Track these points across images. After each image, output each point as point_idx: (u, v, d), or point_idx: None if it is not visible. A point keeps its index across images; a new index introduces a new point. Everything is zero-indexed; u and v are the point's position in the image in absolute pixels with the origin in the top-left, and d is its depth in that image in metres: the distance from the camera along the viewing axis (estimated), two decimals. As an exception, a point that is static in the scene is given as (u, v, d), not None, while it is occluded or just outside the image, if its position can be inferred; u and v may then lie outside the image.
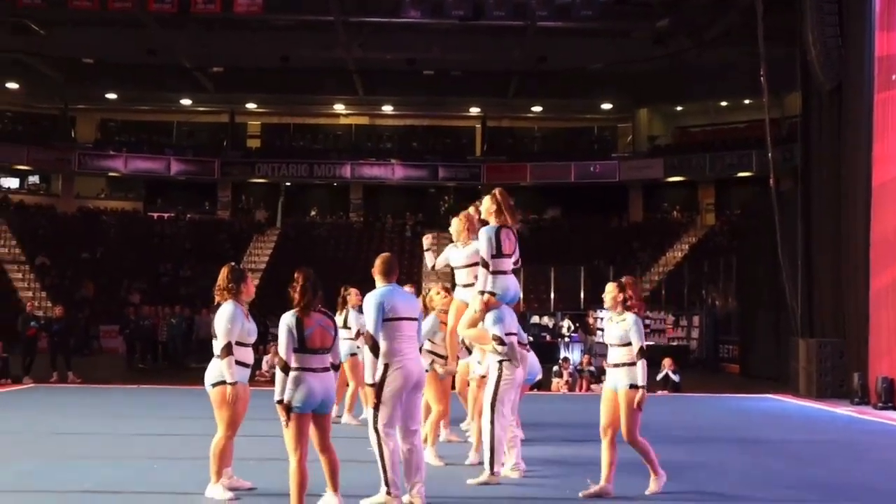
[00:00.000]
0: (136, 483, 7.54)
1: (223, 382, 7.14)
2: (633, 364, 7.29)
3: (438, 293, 9.56)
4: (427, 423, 8.94)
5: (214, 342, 7.26)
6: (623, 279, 7.65)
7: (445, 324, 8.83)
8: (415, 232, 37.03)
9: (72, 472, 8.07)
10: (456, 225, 8.64)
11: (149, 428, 11.23)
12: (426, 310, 9.41)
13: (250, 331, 7.41)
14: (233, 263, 7.80)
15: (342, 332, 9.32)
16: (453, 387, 10.03)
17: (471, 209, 8.84)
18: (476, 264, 8.10)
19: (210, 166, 41.91)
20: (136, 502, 6.82)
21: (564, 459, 9.15)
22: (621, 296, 7.46)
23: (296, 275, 6.47)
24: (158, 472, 8.16)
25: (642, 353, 7.29)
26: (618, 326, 7.38)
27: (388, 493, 6.76)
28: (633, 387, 7.28)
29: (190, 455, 9.16)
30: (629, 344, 7.30)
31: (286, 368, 6.30)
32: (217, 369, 7.20)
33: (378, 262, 7.19)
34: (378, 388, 6.79)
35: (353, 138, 44.96)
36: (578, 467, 8.52)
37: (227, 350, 7.11)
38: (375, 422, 6.79)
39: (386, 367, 6.80)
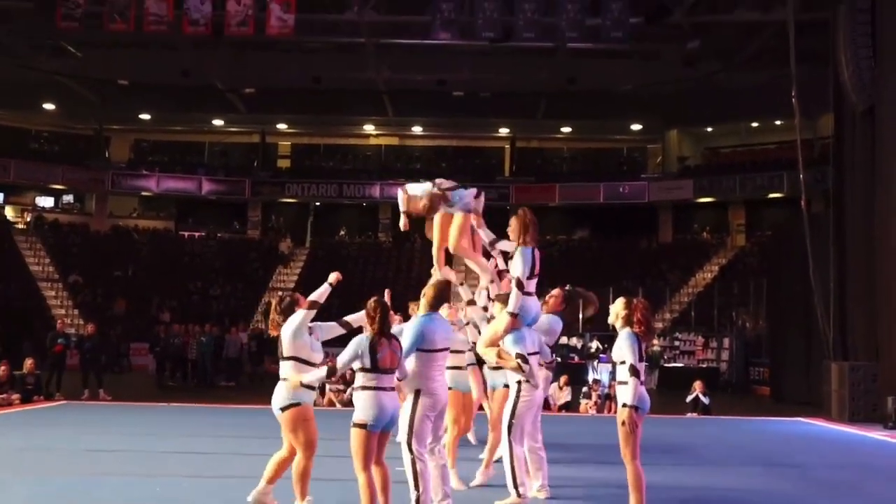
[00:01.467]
0: (170, 500, 7.60)
1: (293, 405, 7.34)
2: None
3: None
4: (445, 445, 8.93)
5: (281, 364, 7.44)
6: (635, 299, 7.54)
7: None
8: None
9: (107, 488, 8.15)
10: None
11: (180, 446, 11.31)
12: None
13: (317, 349, 7.58)
14: (280, 294, 8.34)
15: None
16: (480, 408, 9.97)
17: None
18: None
19: (241, 186, 42.27)
20: (167, 520, 6.88)
21: (592, 481, 9.10)
22: (625, 312, 7.27)
23: (372, 303, 6.92)
24: (189, 489, 8.21)
25: (634, 370, 7.05)
26: (616, 343, 7.34)
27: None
28: (626, 406, 7.10)
29: (220, 473, 9.22)
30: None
31: (332, 372, 7.07)
32: (285, 392, 7.36)
33: (431, 289, 7.42)
34: (412, 414, 7.06)
35: (383, 158, 45.17)
36: (605, 489, 8.48)
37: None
38: (410, 443, 7.04)
39: (417, 392, 7.08)
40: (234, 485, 8.53)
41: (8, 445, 10.96)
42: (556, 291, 9.18)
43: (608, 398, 18.79)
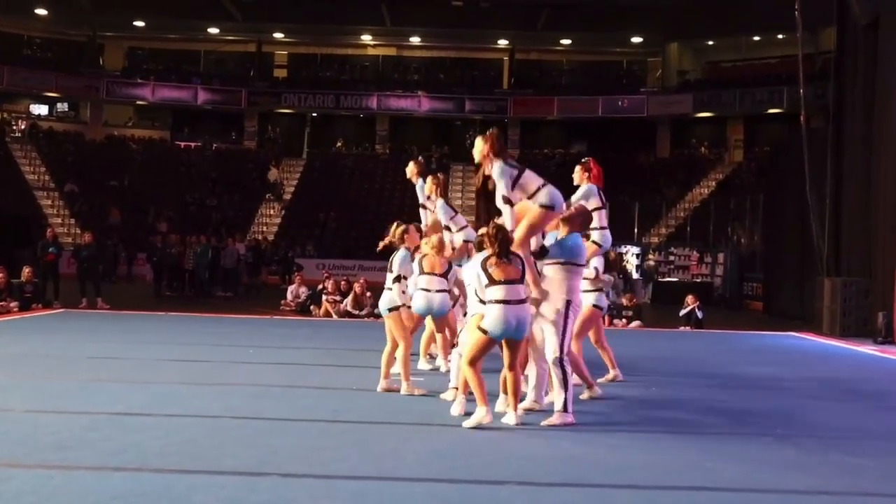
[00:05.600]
0: (165, 406, 7.72)
1: (397, 307, 8.76)
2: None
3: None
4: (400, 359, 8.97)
5: (388, 276, 8.86)
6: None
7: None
8: (440, 164, 36.96)
9: (103, 394, 8.26)
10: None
11: (176, 354, 11.45)
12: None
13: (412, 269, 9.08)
14: (398, 222, 9.35)
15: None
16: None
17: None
18: None
19: (237, 96, 41.93)
20: (166, 424, 6.99)
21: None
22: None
23: (493, 227, 7.32)
24: (186, 396, 8.34)
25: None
26: None
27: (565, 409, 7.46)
28: None
29: (217, 381, 9.36)
30: None
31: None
32: (388, 298, 8.78)
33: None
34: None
35: (380, 69, 44.71)
36: (606, 404, 8.65)
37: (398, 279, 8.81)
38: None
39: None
40: (232, 391, 8.67)
41: (6, 352, 11.08)
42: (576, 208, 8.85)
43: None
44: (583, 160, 9.44)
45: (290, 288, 20.80)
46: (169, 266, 24.06)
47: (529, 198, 7.63)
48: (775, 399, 9.41)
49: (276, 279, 28.68)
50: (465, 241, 9.47)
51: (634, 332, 17.53)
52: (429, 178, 10.35)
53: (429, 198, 10.25)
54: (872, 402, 9.47)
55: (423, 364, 10.63)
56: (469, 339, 7.40)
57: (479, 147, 7.81)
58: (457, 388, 8.03)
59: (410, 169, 10.72)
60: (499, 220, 7.60)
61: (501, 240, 7.20)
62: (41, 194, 35.66)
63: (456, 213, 10.12)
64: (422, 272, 9.08)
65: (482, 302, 7.31)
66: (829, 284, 17.80)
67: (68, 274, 20.00)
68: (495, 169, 7.62)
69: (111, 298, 18.99)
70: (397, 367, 8.92)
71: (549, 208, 7.54)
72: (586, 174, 9.35)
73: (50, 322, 15.41)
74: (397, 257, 8.95)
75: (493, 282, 7.16)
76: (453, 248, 9.62)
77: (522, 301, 7.20)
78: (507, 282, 7.14)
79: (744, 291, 26.73)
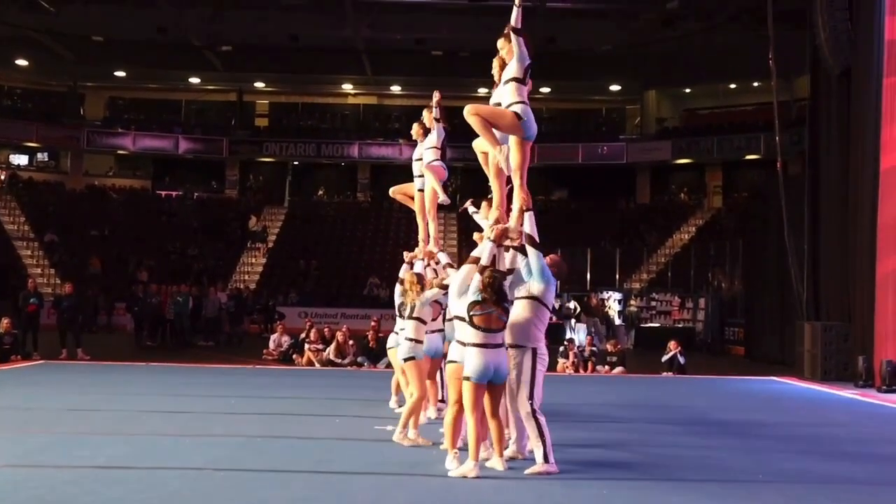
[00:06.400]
0: (148, 459, 7.66)
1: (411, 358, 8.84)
2: None
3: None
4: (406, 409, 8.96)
5: (404, 322, 8.98)
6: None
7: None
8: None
9: (84, 447, 8.18)
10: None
11: (158, 405, 11.35)
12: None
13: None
14: (412, 271, 9.57)
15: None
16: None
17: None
18: None
19: (218, 145, 42.01)
20: (148, 478, 6.93)
21: (573, 441, 9.15)
22: None
23: (488, 276, 7.30)
24: (168, 448, 8.27)
25: None
26: None
27: (546, 460, 7.37)
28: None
29: (199, 432, 9.28)
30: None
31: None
32: (406, 348, 8.88)
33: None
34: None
35: (361, 118, 44.99)
36: (586, 449, 8.63)
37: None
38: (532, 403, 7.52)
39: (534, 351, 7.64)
40: (215, 443, 8.61)
41: (-14, 404, 10.96)
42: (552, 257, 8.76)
43: (583, 357, 18.98)
44: (489, 196, 8.92)
45: (273, 337, 20.71)
46: (150, 316, 23.91)
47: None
48: (760, 445, 9.42)
49: (258, 328, 28.54)
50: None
51: (618, 379, 17.54)
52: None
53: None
54: (859, 448, 9.50)
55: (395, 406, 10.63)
56: (461, 392, 7.40)
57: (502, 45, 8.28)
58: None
59: (415, 130, 11.48)
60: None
61: (498, 289, 7.27)
62: (20, 244, 35.45)
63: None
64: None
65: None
66: (809, 329, 17.92)
67: (48, 325, 19.84)
68: (516, 48, 7.99)
69: (91, 349, 18.84)
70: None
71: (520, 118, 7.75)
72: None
73: (29, 374, 15.25)
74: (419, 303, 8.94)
75: (474, 326, 7.22)
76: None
77: (499, 345, 7.32)
78: (487, 330, 7.24)
79: (725, 336, 26.84)
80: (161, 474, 7.08)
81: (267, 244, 37.61)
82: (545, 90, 42.30)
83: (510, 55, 8.04)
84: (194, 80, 42.48)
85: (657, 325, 28.71)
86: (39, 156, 43.02)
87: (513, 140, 7.88)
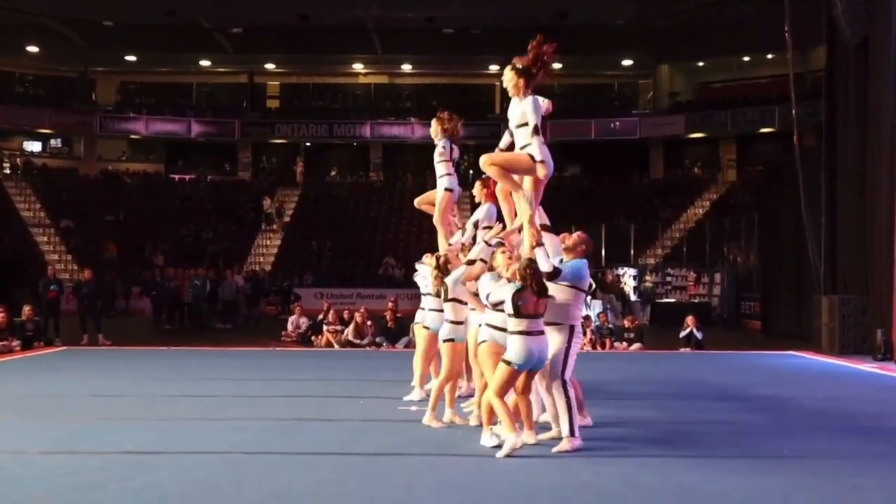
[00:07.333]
0: (176, 443, 7.73)
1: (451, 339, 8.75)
2: None
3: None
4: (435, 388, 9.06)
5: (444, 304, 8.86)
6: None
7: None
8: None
9: (113, 433, 8.26)
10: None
11: (182, 389, 11.45)
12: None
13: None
14: (438, 254, 9.22)
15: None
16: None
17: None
18: None
19: (230, 127, 42.06)
20: (178, 463, 7.00)
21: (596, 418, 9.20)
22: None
23: (527, 264, 7.39)
24: (196, 432, 8.34)
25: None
26: None
27: (572, 433, 7.50)
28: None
29: (224, 415, 9.35)
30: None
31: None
32: (447, 329, 8.78)
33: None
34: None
35: (373, 97, 44.92)
36: (608, 428, 8.67)
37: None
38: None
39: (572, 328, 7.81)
40: (241, 426, 8.68)
41: (13, 392, 11.07)
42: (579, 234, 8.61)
43: (600, 334, 18.95)
44: (483, 176, 9.02)
45: (291, 318, 20.81)
46: (168, 300, 24.05)
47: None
48: (782, 419, 9.45)
49: (275, 309, 28.67)
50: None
51: (636, 355, 17.57)
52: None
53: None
54: (882, 423, 9.50)
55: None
56: (495, 373, 7.48)
57: (509, 77, 8.37)
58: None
59: (434, 128, 10.76)
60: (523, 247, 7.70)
61: (537, 276, 7.36)
62: (37, 231, 35.65)
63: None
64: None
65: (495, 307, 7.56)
66: (826, 302, 17.87)
67: (68, 311, 19.99)
68: (528, 102, 8.07)
69: (111, 334, 18.98)
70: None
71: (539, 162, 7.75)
72: (485, 190, 9.38)
73: (53, 360, 15.38)
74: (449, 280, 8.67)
75: (519, 314, 7.33)
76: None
77: (542, 332, 7.44)
78: (532, 316, 7.35)
79: (741, 311, 26.80)
80: (190, 459, 7.16)
81: (283, 223, 37.71)
82: (557, 66, 42.05)
83: (514, 90, 8.34)
84: (205, 63, 42.49)
85: (673, 300, 28.69)
86: (53, 142, 43.18)
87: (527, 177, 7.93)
